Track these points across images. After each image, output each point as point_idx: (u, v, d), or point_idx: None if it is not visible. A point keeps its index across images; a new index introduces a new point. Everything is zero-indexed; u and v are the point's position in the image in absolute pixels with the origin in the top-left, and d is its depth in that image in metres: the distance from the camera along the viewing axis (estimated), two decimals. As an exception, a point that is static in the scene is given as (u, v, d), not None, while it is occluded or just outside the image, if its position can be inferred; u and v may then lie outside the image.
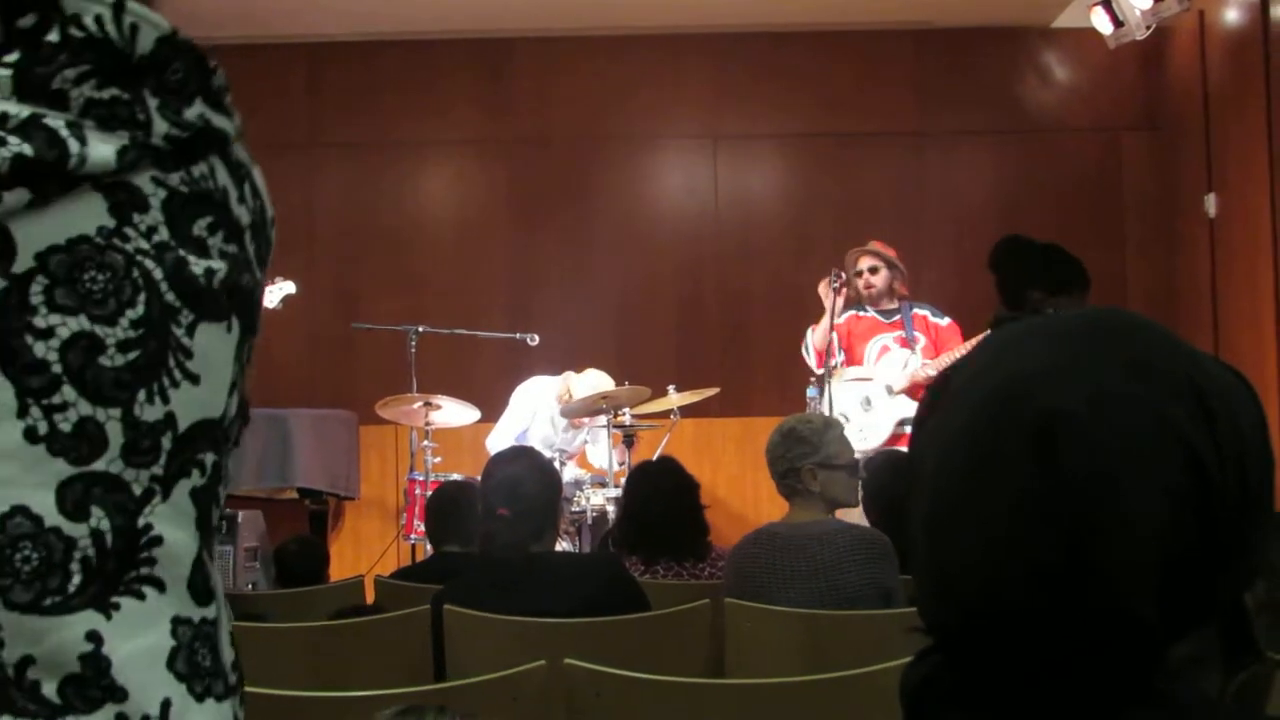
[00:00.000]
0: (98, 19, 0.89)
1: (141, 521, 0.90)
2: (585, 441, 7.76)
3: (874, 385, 6.86)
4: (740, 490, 8.76)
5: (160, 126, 0.91)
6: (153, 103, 0.91)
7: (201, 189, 0.95)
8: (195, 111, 0.94)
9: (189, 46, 0.94)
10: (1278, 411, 7.08)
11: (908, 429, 6.73)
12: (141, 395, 0.90)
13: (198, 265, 0.93)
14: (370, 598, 4.75)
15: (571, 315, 8.85)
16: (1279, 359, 7.07)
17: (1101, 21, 8.17)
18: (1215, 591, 0.88)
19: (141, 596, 0.90)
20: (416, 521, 7.07)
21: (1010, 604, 0.89)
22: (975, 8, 8.81)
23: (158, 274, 0.91)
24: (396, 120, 9.12)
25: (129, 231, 0.90)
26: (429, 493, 6.74)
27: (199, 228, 0.94)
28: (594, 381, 7.27)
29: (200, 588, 0.95)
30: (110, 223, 0.89)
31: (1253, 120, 7.31)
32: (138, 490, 0.90)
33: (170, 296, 0.91)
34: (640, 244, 9.02)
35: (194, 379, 0.93)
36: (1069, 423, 0.88)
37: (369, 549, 8.60)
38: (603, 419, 7.12)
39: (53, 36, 0.88)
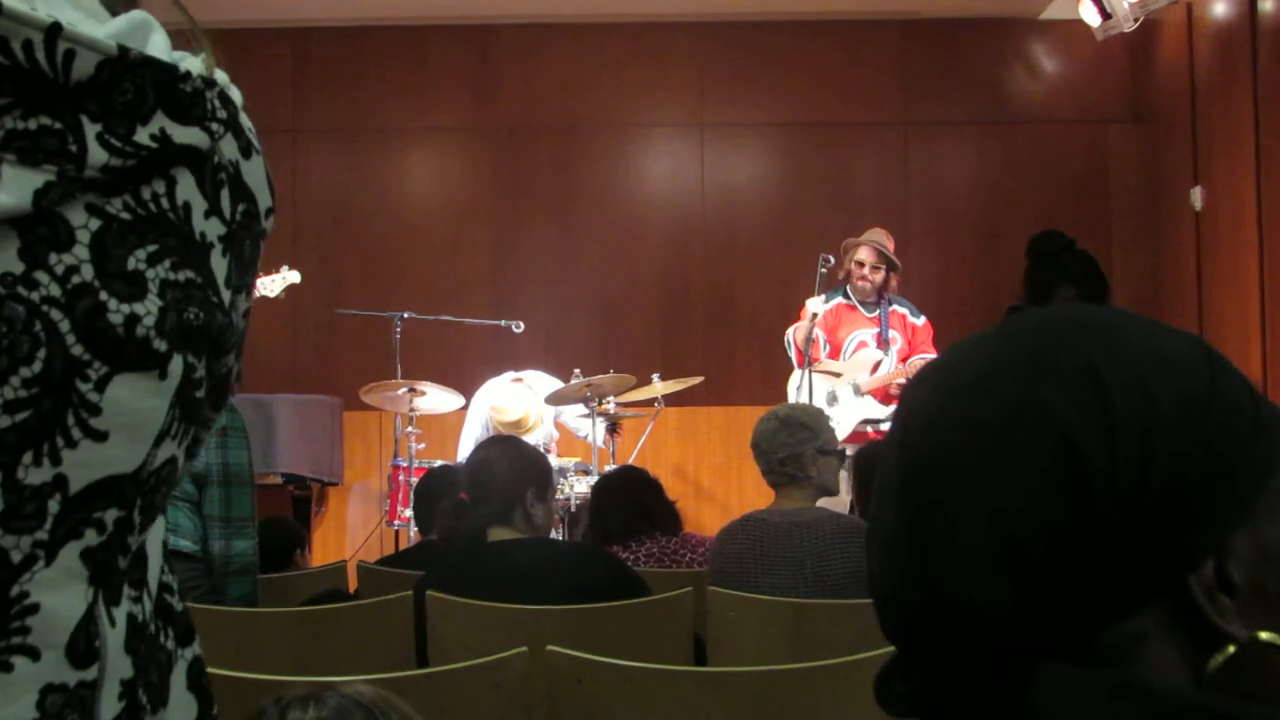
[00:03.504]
0: (26, 45, 0.81)
1: (15, 590, 0.83)
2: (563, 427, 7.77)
3: (842, 382, 6.88)
4: (725, 478, 8.77)
5: (97, 156, 0.83)
6: (92, 130, 0.83)
7: (152, 212, 0.87)
8: (152, 130, 0.86)
9: (143, 62, 0.86)
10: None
11: (869, 429, 6.78)
12: (28, 458, 0.83)
13: (117, 313, 0.84)
14: (353, 584, 4.75)
15: (556, 302, 8.84)
16: (1263, 351, 7.08)
17: (1089, 13, 8.17)
18: (1136, 574, 0.83)
19: (9, 668, 0.83)
20: (400, 508, 7.06)
21: (890, 601, 0.91)
22: (963, -2, 8.82)
23: (64, 326, 0.83)
24: (381, 106, 9.09)
25: (39, 276, 0.82)
26: (413, 479, 6.74)
27: (137, 260, 0.86)
28: (522, 399, 7.26)
29: (82, 650, 0.87)
30: (17, 268, 0.81)
31: (1239, 113, 7.31)
32: (16, 558, 0.83)
33: (78, 350, 0.83)
34: (625, 231, 9.01)
35: (98, 436, 0.85)
36: (915, 416, 0.91)
37: (353, 535, 8.59)
38: (584, 408, 7.13)
39: None
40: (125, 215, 0.86)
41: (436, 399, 7.37)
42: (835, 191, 8.97)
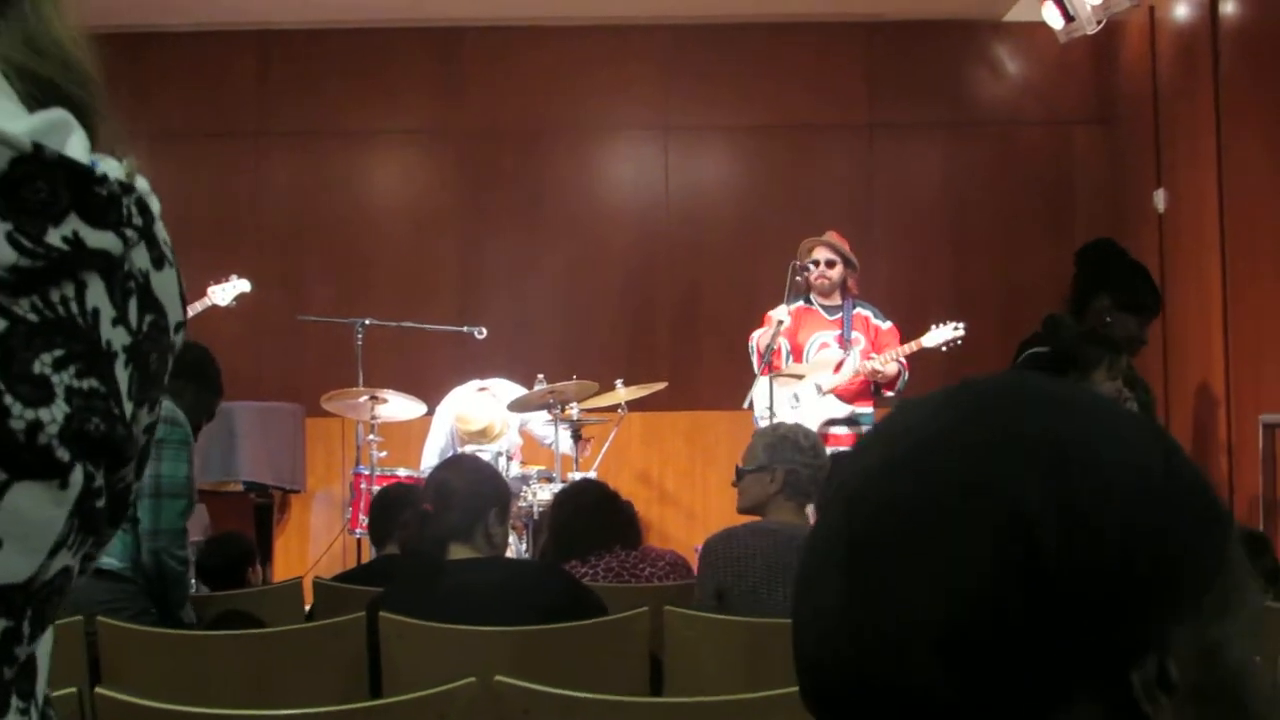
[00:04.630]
0: None
1: None
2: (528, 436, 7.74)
3: (805, 383, 6.88)
4: (690, 483, 8.75)
5: (6, 256, 0.80)
6: (2, 228, 0.80)
7: (59, 315, 0.84)
8: (64, 232, 0.83)
9: (58, 162, 0.83)
10: (1226, 413, 7.12)
11: (833, 429, 6.79)
12: None
13: (19, 418, 0.81)
14: (309, 599, 4.71)
15: (520, 308, 8.80)
16: (1225, 355, 7.10)
17: (1052, 16, 8.18)
18: (1079, 664, 0.80)
19: None
20: (362, 516, 7.02)
21: (817, 666, 0.88)
22: (926, 0, 8.80)
23: None
24: (345, 109, 9.03)
25: None
26: (374, 487, 6.70)
27: (43, 364, 0.83)
28: (486, 408, 7.25)
29: None
30: None
31: (1201, 116, 7.32)
32: None
33: None
34: (590, 236, 8.98)
35: None
36: (867, 485, 0.87)
37: (315, 543, 8.54)
38: (548, 415, 7.10)
39: None
40: (32, 317, 0.82)
41: (398, 406, 7.33)
42: (800, 194, 8.96)
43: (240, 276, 7.72)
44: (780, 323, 6.78)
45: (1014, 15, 8.97)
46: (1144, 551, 0.81)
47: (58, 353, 0.83)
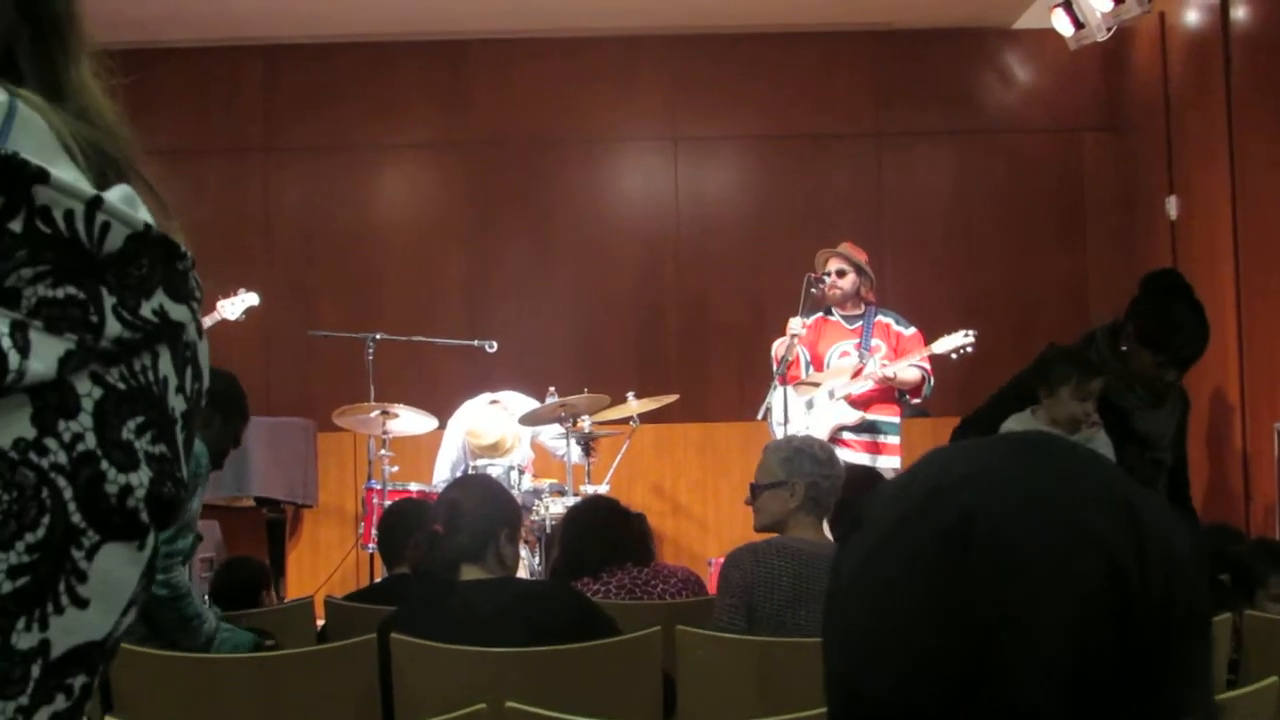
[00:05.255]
0: (68, 215, 0.83)
1: None
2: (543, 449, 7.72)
3: (820, 391, 6.86)
4: (702, 495, 8.70)
5: (113, 329, 0.85)
6: (109, 301, 0.85)
7: (140, 384, 0.89)
8: (153, 305, 0.88)
9: (159, 240, 0.88)
10: (1241, 421, 7.09)
11: (844, 434, 6.75)
12: (20, 623, 0.83)
13: (113, 483, 0.86)
14: (320, 616, 4.70)
15: (530, 321, 8.79)
16: (1240, 362, 7.06)
17: (1062, 23, 8.15)
18: (1134, 714, 0.86)
19: None
20: (374, 531, 7.00)
21: (916, 705, 0.88)
22: (935, 8, 8.78)
23: (68, 494, 0.84)
24: (353, 123, 9.02)
25: (49, 443, 0.84)
26: (386, 502, 6.69)
27: (128, 430, 0.87)
28: (498, 422, 7.23)
29: None
30: (30, 433, 0.83)
31: (1213, 122, 7.29)
32: None
33: (77, 518, 0.84)
34: (600, 247, 8.96)
35: (82, 603, 0.86)
36: (983, 520, 0.88)
37: (327, 558, 8.51)
38: (560, 428, 7.08)
39: (16, 226, 0.82)
40: (121, 385, 0.88)
41: (409, 421, 7.31)
42: (809, 204, 8.93)
43: (249, 291, 7.72)
44: (794, 335, 6.76)
45: (1024, 22, 8.95)
46: (1195, 616, 0.89)
47: (139, 419, 0.89)
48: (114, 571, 0.88)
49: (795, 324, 6.79)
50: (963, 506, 0.89)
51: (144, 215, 0.90)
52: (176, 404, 0.92)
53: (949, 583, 0.88)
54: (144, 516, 0.88)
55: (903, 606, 0.90)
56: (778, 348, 6.96)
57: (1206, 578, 0.92)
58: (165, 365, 0.91)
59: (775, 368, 6.87)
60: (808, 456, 3.99)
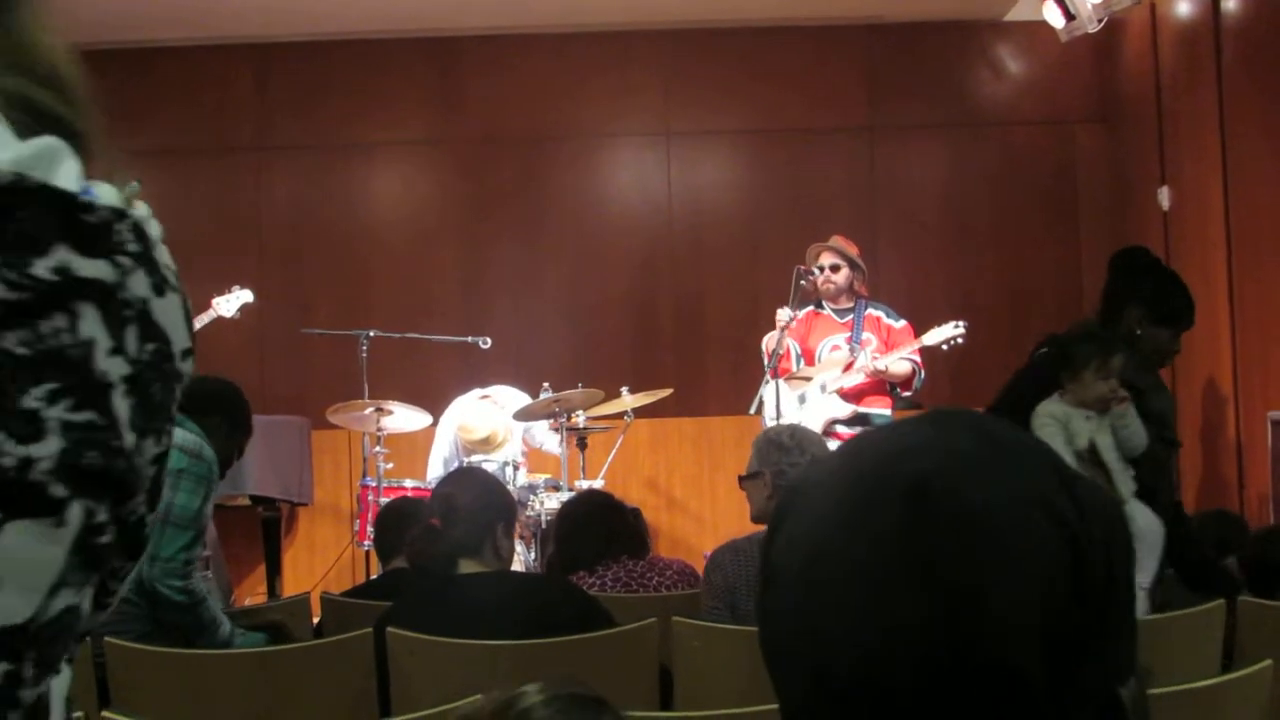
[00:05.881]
0: None
1: None
2: (535, 446, 7.73)
3: (812, 384, 6.87)
4: (697, 489, 8.72)
5: None
6: None
7: (48, 348, 0.81)
8: (51, 263, 0.81)
9: (40, 190, 0.81)
10: (1234, 410, 7.10)
11: (837, 428, 6.75)
12: None
13: (10, 455, 0.79)
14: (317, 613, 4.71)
15: (524, 317, 8.79)
16: (1233, 352, 7.07)
17: (1053, 15, 8.16)
18: (1085, 677, 0.88)
19: None
20: (370, 528, 7.01)
21: (892, 680, 0.86)
22: (927, 1, 8.79)
23: None
24: (345, 121, 9.02)
25: None
26: (381, 499, 6.69)
27: (33, 398, 0.81)
28: (489, 417, 7.24)
29: None
30: None
31: (1205, 112, 7.30)
32: None
33: None
34: (593, 243, 8.96)
35: None
36: (940, 479, 0.88)
37: (323, 555, 8.52)
38: (552, 423, 7.09)
39: None
40: (21, 351, 0.80)
41: (404, 418, 7.32)
42: (802, 197, 8.94)
43: (243, 288, 7.73)
44: (783, 326, 6.75)
45: (1014, 14, 8.96)
46: (1129, 584, 0.92)
47: (50, 386, 0.81)
48: (24, 550, 0.81)
49: (784, 314, 6.78)
50: (917, 471, 0.89)
51: (63, 175, 0.83)
52: (110, 367, 0.84)
53: (913, 549, 0.86)
54: (55, 491, 0.81)
55: (866, 580, 0.88)
56: (768, 341, 6.96)
57: (1133, 549, 0.94)
58: (90, 326, 0.83)
59: (766, 361, 6.88)
60: (775, 445, 4.00)
